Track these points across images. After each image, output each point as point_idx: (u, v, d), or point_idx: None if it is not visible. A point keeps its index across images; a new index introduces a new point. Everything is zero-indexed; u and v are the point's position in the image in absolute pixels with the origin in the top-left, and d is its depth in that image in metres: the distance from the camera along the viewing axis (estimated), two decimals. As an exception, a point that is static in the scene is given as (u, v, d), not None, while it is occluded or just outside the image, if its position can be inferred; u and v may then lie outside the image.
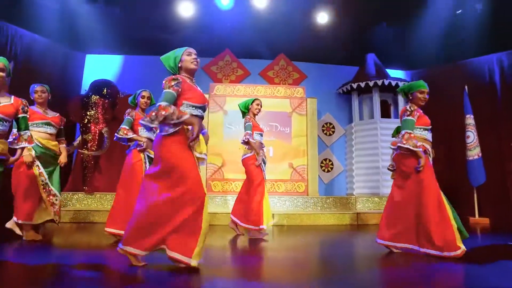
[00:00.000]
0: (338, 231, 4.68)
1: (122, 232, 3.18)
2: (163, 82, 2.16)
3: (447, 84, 6.67)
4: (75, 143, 5.79)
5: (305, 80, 7.44)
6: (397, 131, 5.04)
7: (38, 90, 3.47)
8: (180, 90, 2.16)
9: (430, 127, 2.91)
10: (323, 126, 7.37)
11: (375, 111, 6.85)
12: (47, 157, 3.41)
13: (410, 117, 2.81)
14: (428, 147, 2.83)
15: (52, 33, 6.19)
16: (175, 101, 2.16)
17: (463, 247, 2.57)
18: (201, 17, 6.43)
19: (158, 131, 2.25)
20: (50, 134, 3.46)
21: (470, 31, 5.93)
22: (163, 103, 2.07)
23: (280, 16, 6.37)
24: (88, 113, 5.83)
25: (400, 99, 6.95)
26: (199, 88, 2.31)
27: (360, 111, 7.18)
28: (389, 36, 6.85)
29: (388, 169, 5.22)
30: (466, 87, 6.01)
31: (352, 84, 6.90)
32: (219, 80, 7.08)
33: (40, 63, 6.03)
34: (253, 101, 4.05)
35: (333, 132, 7.43)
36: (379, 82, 6.67)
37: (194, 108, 2.19)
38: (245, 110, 4.07)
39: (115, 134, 3.38)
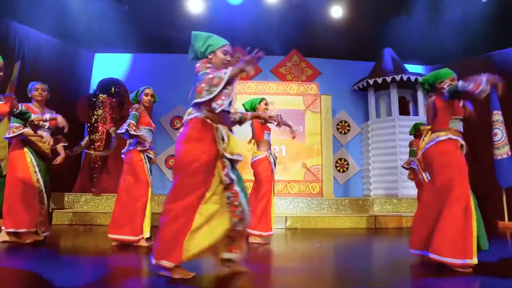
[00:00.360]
0: (355, 235, 4.40)
1: (126, 237, 3.06)
2: (197, 65, 2.03)
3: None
4: (83, 143, 5.69)
5: (319, 77, 7.17)
6: (414, 128, 4.68)
7: (39, 88, 3.34)
8: None
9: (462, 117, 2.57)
10: (338, 124, 7.08)
11: (393, 108, 6.50)
12: (41, 160, 3.26)
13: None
14: (462, 141, 2.51)
15: (61, 33, 6.13)
16: None
17: (470, 260, 2.18)
18: (211, 13, 6.25)
19: (182, 128, 2.07)
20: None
21: (497, 21, 5.51)
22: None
23: (292, 10, 6.12)
24: (95, 112, 5.72)
25: (420, 95, 6.59)
26: None
27: (377, 108, 6.85)
28: (407, 29, 6.50)
29: (403, 167, 4.88)
30: (493, 81, 5.60)
31: (369, 80, 6.58)
32: (229, 78, 6.86)
33: (48, 62, 5.97)
34: (260, 101, 3.76)
35: (349, 130, 7.13)
36: (397, 78, 6.33)
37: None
38: (251, 110, 3.77)
39: (125, 127, 3.14)
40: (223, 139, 1.97)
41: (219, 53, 2.06)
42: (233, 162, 2.02)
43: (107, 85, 6.01)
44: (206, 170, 1.94)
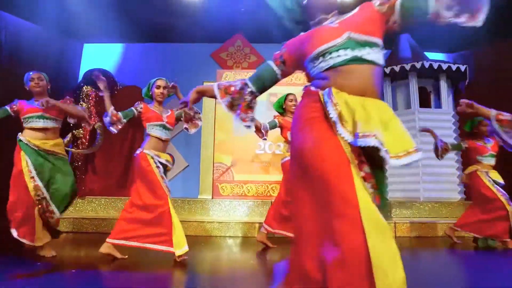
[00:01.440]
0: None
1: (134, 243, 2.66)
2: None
3: (506, 66, 5.51)
4: (66, 140, 5.12)
5: (328, 67, 6.50)
6: (471, 125, 3.87)
7: (35, 77, 2.86)
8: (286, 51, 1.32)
9: None
10: (349, 119, 6.40)
11: (413, 99, 5.80)
12: (45, 165, 2.77)
13: None
14: None
15: (45, 20, 5.59)
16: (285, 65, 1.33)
17: None
18: (209, -2, 5.66)
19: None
20: (47, 129, 2.83)
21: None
22: None
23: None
24: (79, 106, 5.15)
25: (443, 85, 5.86)
26: (334, 24, 1.25)
27: (394, 100, 6.14)
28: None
29: (463, 182, 4.13)
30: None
31: (384, 69, 5.89)
32: (230, 67, 6.26)
33: (31, 53, 5.42)
34: (285, 98, 3.43)
35: (362, 125, 6.45)
36: (418, 65, 5.62)
37: (321, 56, 1.20)
38: (282, 111, 3.46)
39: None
40: (340, 113, 1.09)
41: None
42: (373, 154, 1.07)
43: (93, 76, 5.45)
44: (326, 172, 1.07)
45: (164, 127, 2.86)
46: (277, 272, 1.30)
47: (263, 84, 1.36)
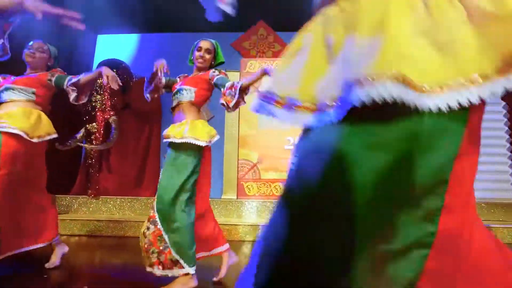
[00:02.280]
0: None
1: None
2: None
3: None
4: (79, 135, 4.75)
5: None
6: None
7: (34, 46, 2.42)
8: None
9: None
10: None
11: (457, 89, 5.22)
12: None
13: None
14: None
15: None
16: None
17: None
18: (230, -18, 5.25)
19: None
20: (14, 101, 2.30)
21: None
22: None
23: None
24: (92, 98, 4.78)
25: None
26: None
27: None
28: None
29: None
30: None
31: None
32: (253, 57, 5.82)
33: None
34: None
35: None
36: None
37: None
38: None
39: None
40: None
41: None
42: None
43: (108, 67, 5.09)
44: None
45: (178, 91, 2.25)
46: None
47: None
